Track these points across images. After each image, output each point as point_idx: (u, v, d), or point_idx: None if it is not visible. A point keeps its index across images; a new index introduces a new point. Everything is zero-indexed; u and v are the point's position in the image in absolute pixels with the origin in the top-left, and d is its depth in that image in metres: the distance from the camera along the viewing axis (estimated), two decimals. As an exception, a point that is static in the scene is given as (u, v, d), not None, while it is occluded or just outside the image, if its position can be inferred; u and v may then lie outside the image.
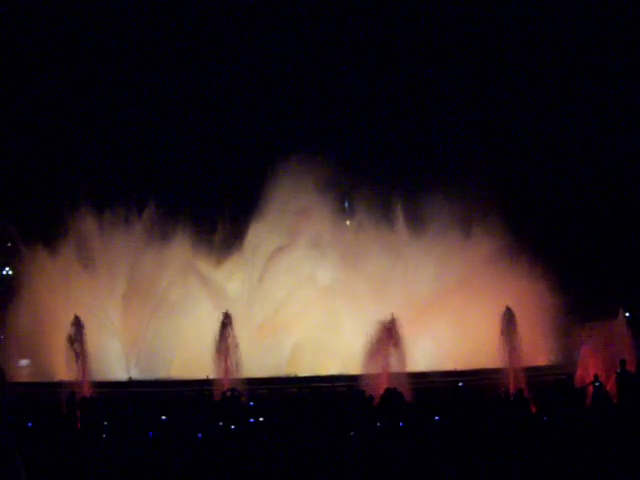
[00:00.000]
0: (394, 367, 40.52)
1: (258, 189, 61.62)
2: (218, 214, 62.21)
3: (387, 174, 65.08)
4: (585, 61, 74.54)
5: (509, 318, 42.15)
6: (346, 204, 65.16)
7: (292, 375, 52.23)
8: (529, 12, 75.66)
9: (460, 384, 44.12)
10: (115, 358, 54.24)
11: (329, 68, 75.93)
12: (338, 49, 76.66)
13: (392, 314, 42.17)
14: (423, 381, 40.99)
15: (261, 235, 60.40)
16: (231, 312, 44.49)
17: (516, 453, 26.78)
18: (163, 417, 34.66)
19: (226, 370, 42.20)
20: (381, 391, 36.71)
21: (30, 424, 32.51)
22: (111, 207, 60.05)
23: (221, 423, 34.24)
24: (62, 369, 42.42)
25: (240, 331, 44.97)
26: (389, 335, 41.43)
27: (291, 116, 74.10)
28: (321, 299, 57.24)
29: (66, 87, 73.34)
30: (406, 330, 42.48)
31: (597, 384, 36.38)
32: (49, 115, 72.64)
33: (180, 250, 58.96)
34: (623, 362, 38.08)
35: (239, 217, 61.61)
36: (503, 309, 42.57)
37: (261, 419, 34.53)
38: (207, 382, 42.39)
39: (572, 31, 74.47)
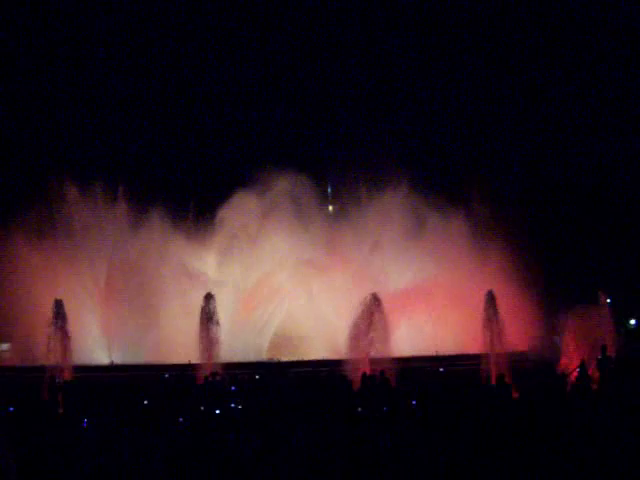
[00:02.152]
0: (375, 352, 40.63)
1: (236, 172, 61.68)
2: (196, 198, 62.13)
3: (370, 160, 65.09)
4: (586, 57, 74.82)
5: (491, 302, 42.24)
6: (329, 190, 65.20)
7: (274, 360, 52.35)
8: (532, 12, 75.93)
9: (441, 369, 44.22)
10: (96, 342, 54.19)
11: (308, 56, 75.87)
12: (317, 38, 76.59)
13: (374, 294, 42.32)
14: (404, 366, 41.04)
15: (238, 220, 60.34)
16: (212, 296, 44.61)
17: (497, 439, 26.85)
18: (145, 401, 34.62)
19: (208, 355, 42.26)
20: (360, 377, 36.83)
21: (12, 409, 32.40)
22: (92, 190, 59.88)
23: (203, 407, 34.24)
24: (43, 353, 42.36)
25: (222, 317, 45.10)
26: (371, 315, 41.59)
27: (273, 101, 73.99)
28: (301, 284, 57.28)
29: (48, 72, 72.96)
30: (387, 315, 42.70)
31: (580, 369, 36.57)
32: (29, 98, 72.23)
33: (160, 234, 58.88)
34: (604, 348, 38.28)
35: (216, 201, 61.54)
36: (485, 294, 42.69)
37: (242, 405, 34.54)
38: (189, 366, 42.40)
39: (571, 31, 74.73)
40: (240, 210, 60.61)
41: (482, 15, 75.17)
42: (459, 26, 75.62)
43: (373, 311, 41.79)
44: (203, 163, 69.38)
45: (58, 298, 43.00)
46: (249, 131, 71.66)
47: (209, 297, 44.39)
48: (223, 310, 47.09)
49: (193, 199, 61.58)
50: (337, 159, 61.21)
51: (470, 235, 58.76)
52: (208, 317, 43.79)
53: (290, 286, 57.01)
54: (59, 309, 42.58)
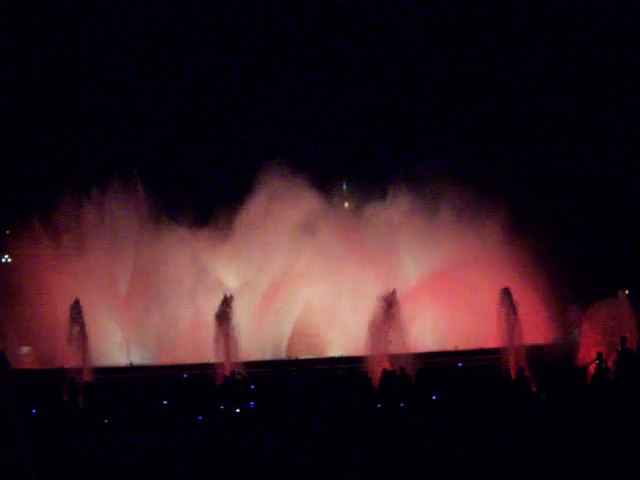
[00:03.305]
0: (394, 348, 40.64)
1: (252, 173, 61.67)
2: (214, 199, 62.16)
3: (386, 154, 65.05)
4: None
5: (506, 298, 42.22)
6: (344, 186, 65.08)
7: (293, 357, 52.33)
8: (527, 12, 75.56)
9: (460, 364, 44.15)
10: (116, 343, 54.30)
11: (322, 54, 75.75)
12: (331, 37, 76.44)
13: (392, 290, 42.43)
14: (423, 361, 40.99)
15: (256, 218, 60.30)
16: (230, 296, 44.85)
17: (517, 433, 26.81)
18: (164, 401, 34.72)
19: (227, 354, 42.33)
20: (380, 373, 36.85)
21: (34, 411, 32.55)
22: (111, 192, 60.02)
23: (222, 407, 34.31)
24: (63, 355, 42.48)
25: (239, 316, 45.25)
26: (389, 311, 41.65)
27: (288, 97, 73.93)
28: (319, 281, 57.22)
29: (62, 73, 73.09)
30: (406, 310, 42.78)
31: (598, 362, 36.42)
32: (46, 100, 72.42)
33: (178, 237, 58.94)
34: (624, 339, 38.11)
35: (233, 202, 61.53)
36: (500, 291, 42.71)
37: (261, 403, 34.58)
38: (208, 366, 42.46)
39: (569, 29, 74.38)
40: (256, 212, 60.56)
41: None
42: (487, 27, 75.15)
43: (390, 308, 41.83)
44: (220, 163, 69.38)
45: (77, 300, 43.15)
46: (265, 128, 71.58)
47: (227, 298, 44.64)
48: (241, 309, 47.24)
49: (212, 202, 61.64)
50: (352, 155, 61.21)
51: (488, 228, 58.58)
52: (226, 317, 43.97)
53: (307, 284, 56.96)
54: (77, 309, 42.74)
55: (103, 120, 71.35)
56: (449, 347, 50.44)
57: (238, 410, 33.26)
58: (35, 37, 73.48)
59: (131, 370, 48.59)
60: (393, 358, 39.76)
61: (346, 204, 64.11)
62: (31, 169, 63.46)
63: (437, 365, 42.16)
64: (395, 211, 60.45)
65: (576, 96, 73.08)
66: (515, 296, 42.56)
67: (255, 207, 60.70)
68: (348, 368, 40.68)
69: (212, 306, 45.94)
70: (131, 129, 70.90)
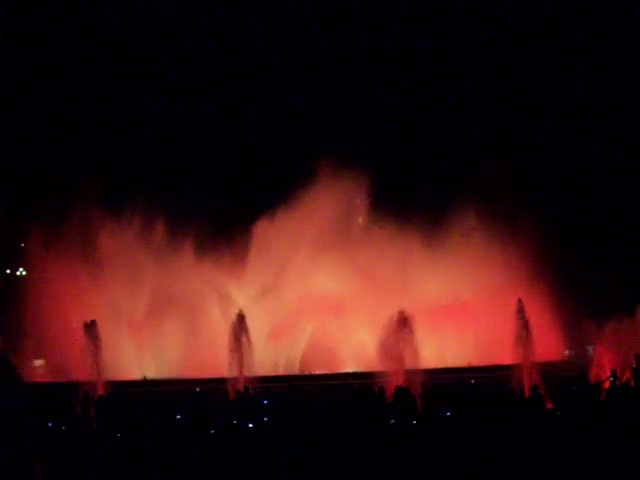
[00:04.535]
0: (407, 364, 40.65)
1: (267, 194, 61.83)
2: (227, 219, 62.31)
3: (401, 176, 65.11)
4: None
5: (520, 310, 42.23)
6: (358, 201, 64.98)
7: (306, 373, 52.33)
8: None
9: (472, 381, 44.04)
10: (129, 358, 54.37)
11: (340, 68, 75.64)
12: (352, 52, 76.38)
13: (403, 311, 42.48)
14: (436, 377, 40.93)
15: (269, 239, 60.42)
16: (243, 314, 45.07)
17: (531, 450, 26.72)
18: (177, 416, 34.72)
19: (240, 369, 42.40)
20: (392, 389, 36.82)
21: (50, 424, 32.61)
22: (125, 208, 60.21)
23: (235, 421, 34.28)
24: (77, 369, 42.58)
25: (253, 331, 45.40)
26: (401, 330, 41.72)
27: (304, 117, 73.83)
28: (331, 303, 57.13)
29: (76, 95, 73.27)
30: (419, 327, 42.79)
31: (612, 379, 36.36)
32: (64, 121, 72.60)
33: (191, 253, 59.07)
34: (638, 357, 38.08)
35: (247, 221, 61.65)
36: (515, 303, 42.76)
37: (274, 418, 34.56)
38: (222, 381, 42.49)
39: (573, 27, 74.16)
40: (273, 229, 60.70)
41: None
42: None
43: (401, 327, 41.93)
44: (235, 182, 69.34)
45: (92, 319, 43.49)
46: (281, 144, 71.56)
47: (242, 314, 44.90)
48: (255, 325, 47.37)
49: (229, 221, 61.82)
50: (369, 170, 61.19)
51: (501, 245, 58.51)
52: (239, 332, 44.14)
53: (321, 302, 56.91)
54: (92, 325, 42.98)
55: (122, 142, 71.50)
56: (462, 363, 50.39)
57: (251, 425, 33.19)
58: (43, 45, 73.74)
59: (144, 384, 48.65)
60: (406, 374, 39.74)
61: (360, 219, 64.08)
62: (48, 182, 63.61)
63: (450, 381, 42.08)
64: (412, 231, 60.42)
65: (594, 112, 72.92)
66: (529, 312, 42.54)
67: (272, 224, 60.88)
68: (362, 383, 40.66)
69: (226, 321, 46.05)
70: (149, 152, 71.00)
